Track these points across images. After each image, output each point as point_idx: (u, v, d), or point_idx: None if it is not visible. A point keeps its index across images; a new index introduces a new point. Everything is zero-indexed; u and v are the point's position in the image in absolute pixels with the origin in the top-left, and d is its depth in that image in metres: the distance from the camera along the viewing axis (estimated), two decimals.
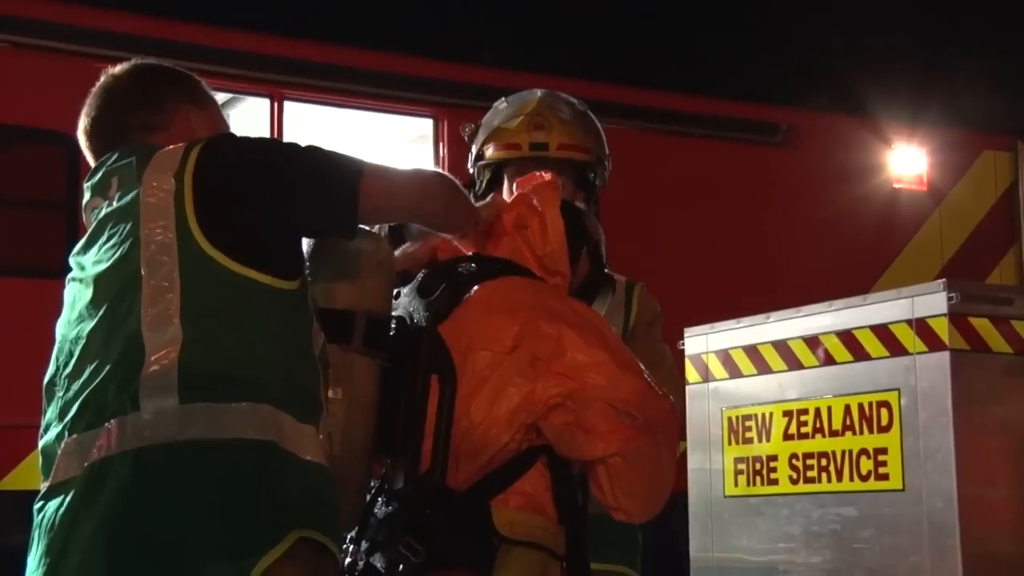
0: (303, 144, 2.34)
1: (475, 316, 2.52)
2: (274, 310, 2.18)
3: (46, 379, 2.29)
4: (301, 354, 2.22)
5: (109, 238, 2.27)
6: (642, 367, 2.60)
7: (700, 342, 5.30)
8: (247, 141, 2.33)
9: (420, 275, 2.66)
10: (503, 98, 3.39)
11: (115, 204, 2.28)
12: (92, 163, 2.47)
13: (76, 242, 2.31)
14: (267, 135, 1.99)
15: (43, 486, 2.19)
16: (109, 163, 2.37)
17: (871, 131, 9.15)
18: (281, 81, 7.13)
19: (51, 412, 2.25)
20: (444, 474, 2.44)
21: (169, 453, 2.03)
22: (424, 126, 7.84)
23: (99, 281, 2.24)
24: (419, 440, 2.44)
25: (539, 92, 3.40)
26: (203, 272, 2.13)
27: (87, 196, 2.42)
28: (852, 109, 9.71)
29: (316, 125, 7.25)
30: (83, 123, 2.50)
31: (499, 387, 2.47)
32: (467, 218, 2.58)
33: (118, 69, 2.53)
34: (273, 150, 2.34)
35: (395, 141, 8.06)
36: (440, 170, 2.63)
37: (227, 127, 2.53)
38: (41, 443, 2.26)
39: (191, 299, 2.11)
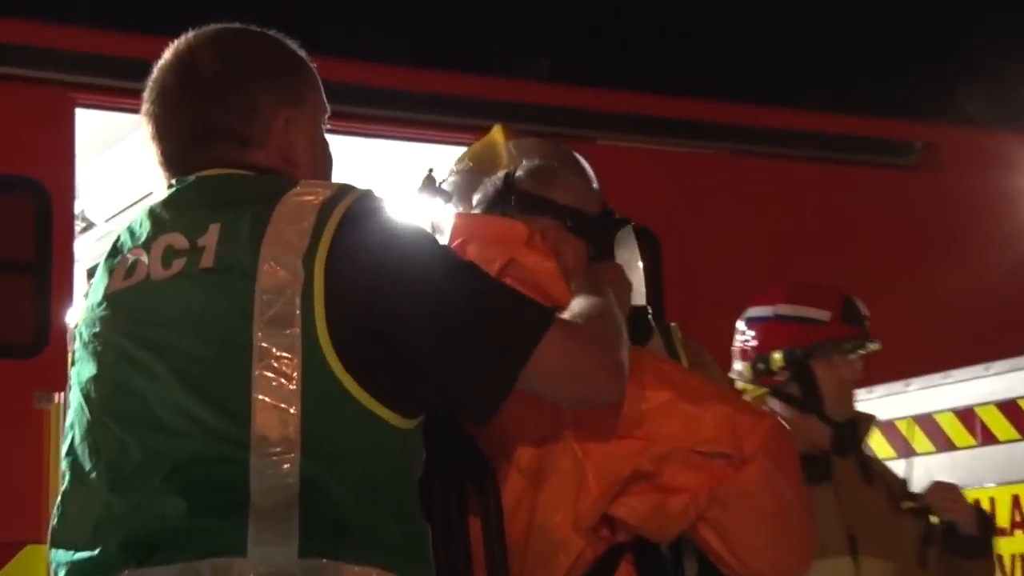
0: (470, 275, 2.23)
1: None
2: (394, 452, 2.16)
3: (65, 447, 2.19)
4: (415, 500, 2.20)
5: (194, 306, 2.13)
6: (721, 388, 2.55)
7: None
8: (393, 242, 2.16)
9: None
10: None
11: (212, 265, 2.13)
12: (159, 160, 2.32)
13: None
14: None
15: None
16: (210, 201, 2.20)
17: None
18: None
19: (76, 506, 2.14)
20: None
21: None
22: None
23: (170, 354, 2.12)
24: (468, 567, 2.40)
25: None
26: (329, 399, 2.07)
27: (161, 212, 2.24)
28: (1005, 121, 9.38)
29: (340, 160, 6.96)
30: (150, 112, 2.32)
31: (551, 482, 2.39)
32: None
33: (195, 39, 2.33)
34: (432, 279, 2.17)
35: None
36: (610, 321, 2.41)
37: (325, 115, 2.41)
38: (59, 556, 2.14)
39: (313, 430, 2.05)
